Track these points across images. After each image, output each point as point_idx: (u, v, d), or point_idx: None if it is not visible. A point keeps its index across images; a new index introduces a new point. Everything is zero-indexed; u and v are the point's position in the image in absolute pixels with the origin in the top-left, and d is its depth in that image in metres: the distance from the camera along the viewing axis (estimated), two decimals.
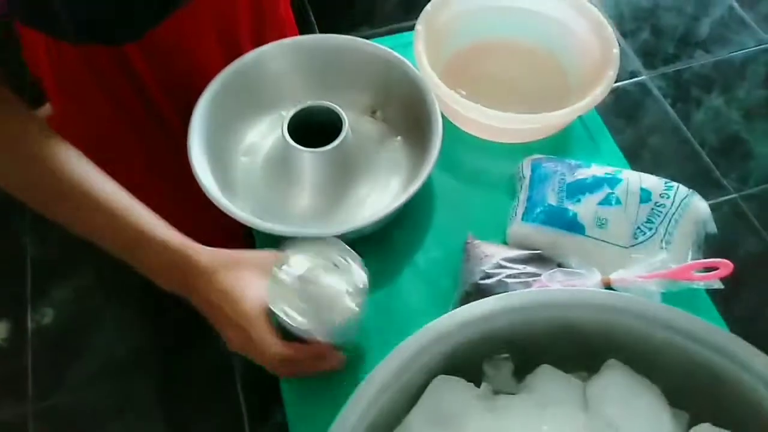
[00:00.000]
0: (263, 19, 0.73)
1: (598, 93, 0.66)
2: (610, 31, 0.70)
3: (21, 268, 1.27)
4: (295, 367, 0.48)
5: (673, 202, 0.61)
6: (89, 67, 0.58)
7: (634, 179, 0.62)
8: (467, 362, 0.45)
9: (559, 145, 0.71)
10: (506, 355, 0.46)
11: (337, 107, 0.63)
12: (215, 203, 0.55)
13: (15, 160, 0.46)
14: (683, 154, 1.39)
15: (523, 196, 0.63)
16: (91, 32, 0.55)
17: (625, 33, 1.64)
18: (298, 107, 0.62)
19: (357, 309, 0.48)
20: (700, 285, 0.55)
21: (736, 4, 1.69)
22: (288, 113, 0.61)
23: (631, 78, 1.55)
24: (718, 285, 0.55)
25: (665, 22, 1.66)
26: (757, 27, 1.63)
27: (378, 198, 0.64)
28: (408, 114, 0.68)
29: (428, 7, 0.71)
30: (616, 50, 0.68)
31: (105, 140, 0.65)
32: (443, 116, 0.63)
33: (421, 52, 0.67)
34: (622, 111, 1.48)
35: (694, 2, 1.71)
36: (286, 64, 0.69)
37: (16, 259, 1.28)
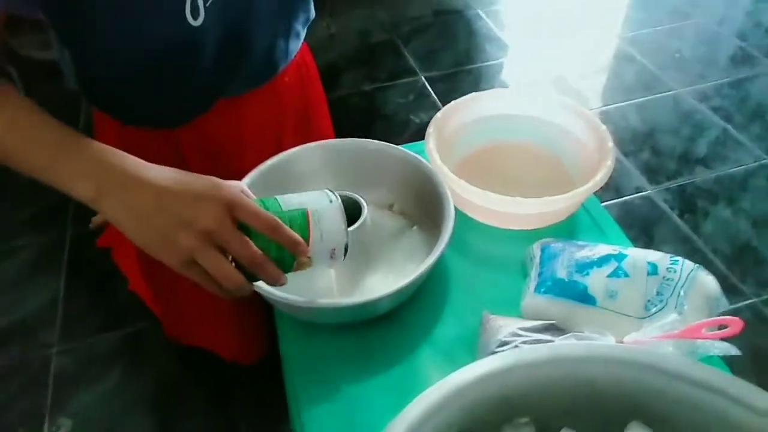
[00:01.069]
0: (309, 128, 0.82)
1: (598, 179, 0.71)
2: (603, 129, 0.77)
3: (44, 379, 1.29)
4: (245, 215, 0.46)
5: (680, 275, 0.63)
6: (147, 150, 0.66)
7: (640, 255, 0.65)
8: (487, 425, 0.44)
9: (566, 232, 0.75)
10: (526, 419, 0.46)
11: (358, 196, 0.68)
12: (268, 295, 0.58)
13: None
14: (697, 263, 1.40)
15: (534, 272, 0.66)
16: (146, 117, 0.64)
17: (626, 153, 1.75)
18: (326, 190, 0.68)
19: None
20: (717, 352, 0.55)
21: (729, 126, 1.81)
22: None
23: (637, 193, 1.62)
24: (736, 351, 0.55)
25: (663, 143, 1.78)
26: (752, 145, 1.73)
27: (395, 280, 0.68)
28: (423, 205, 0.73)
29: (438, 114, 0.80)
30: (610, 144, 0.75)
31: None
32: (456, 208, 0.69)
33: (432, 149, 0.74)
34: (632, 223, 1.54)
35: (689, 126, 1.83)
36: (317, 162, 0.76)
37: (41, 371, 1.31)
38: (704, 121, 1.85)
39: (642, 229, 1.53)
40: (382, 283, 0.68)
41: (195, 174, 0.48)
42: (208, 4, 0.58)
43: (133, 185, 0.45)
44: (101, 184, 0.45)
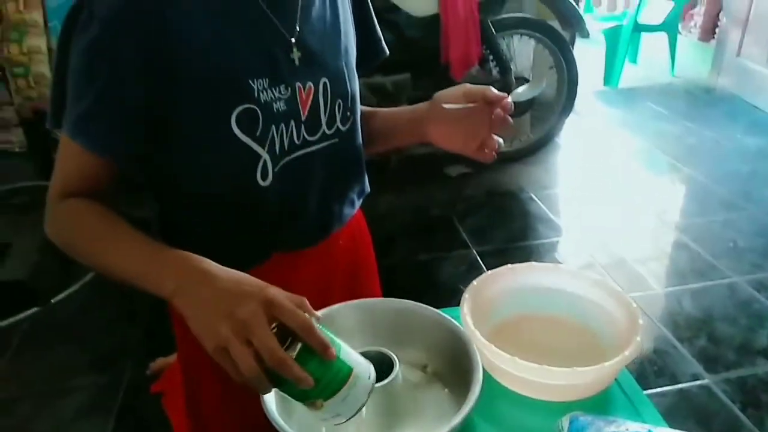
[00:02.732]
0: (357, 290, 0.89)
1: (627, 354, 0.72)
2: (634, 306, 0.80)
3: None
4: (281, 312, 0.52)
5: None
6: None
7: None
8: None
9: (597, 406, 0.74)
10: None
11: (391, 353, 0.72)
12: (273, 422, 0.61)
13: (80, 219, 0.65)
14: None
15: None
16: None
17: (681, 339, 1.71)
18: (357, 351, 0.72)
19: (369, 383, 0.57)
20: None
21: None
22: None
23: (693, 380, 1.56)
24: None
25: (721, 331, 1.74)
26: None
27: None
28: (455, 368, 0.76)
29: (475, 282, 0.85)
30: (641, 321, 0.77)
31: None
32: (489, 374, 0.71)
33: (466, 313, 0.78)
34: (688, 414, 1.46)
35: (747, 315, 1.79)
36: (354, 319, 0.79)
37: None
38: (763, 311, 1.80)
39: (699, 420, 1.44)
40: None
41: (253, 278, 0.56)
42: (276, 169, 0.71)
43: (201, 282, 0.56)
44: (180, 282, 0.56)
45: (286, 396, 0.59)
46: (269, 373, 0.53)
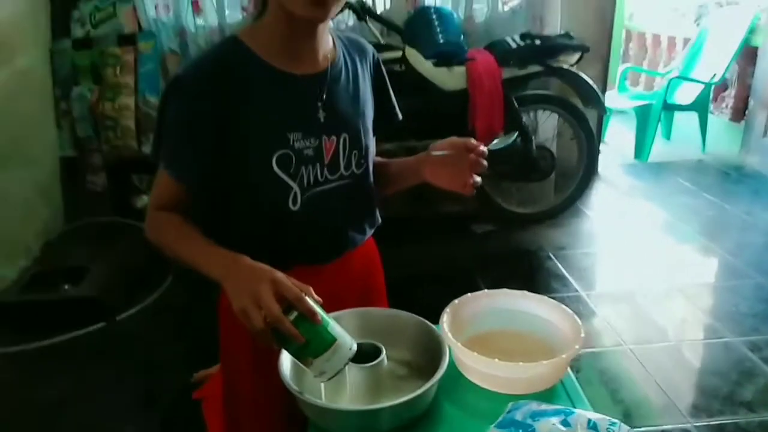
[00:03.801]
0: (367, 290, 1.11)
1: (564, 357, 0.92)
2: (576, 319, 0.99)
3: None
4: (283, 288, 0.76)
5: None
6: None
7: (586, 413, 0.83)
8: None
9: (543, 400, 0.93)
10: None
11: (379, 343, 0.91)
12: (291, 390, 0.81)
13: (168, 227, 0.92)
14: None
15: (500, 418, 0.86)
16: None
17: (671, 387, 1.82)
18: (356, 341, 0.87)
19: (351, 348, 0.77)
20: None
21: None
22: None
23: (677, 423, 1.68)
24: None
25: (710, 383, 1.84)
26: None
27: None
28: (433, 365, 0.91)
29: (456, 300, 1.06)
30: (582, 334, 0.97)
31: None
32: (459, 371, 0.91)
33: (444, 322, 0.98)
34: None
35: (737, 371, 1.89)
36: (354, 322, 0.94)
37: None
38: (753, 369, 1.92)
39: None
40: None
41: (268, 266, 0.80)
42: (303, 198, 0.95)
43: (236, 269, 0.82)
44: (223, 271, 0.83)
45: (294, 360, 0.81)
46: (276, 334, 0.76)
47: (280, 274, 0.79)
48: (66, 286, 2.39)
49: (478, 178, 1.00)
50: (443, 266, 2.72)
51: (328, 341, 0.77)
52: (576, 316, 0.99)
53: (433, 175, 1.03)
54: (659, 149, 4.11)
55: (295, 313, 0.77)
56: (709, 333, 2.16)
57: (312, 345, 0.77)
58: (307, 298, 0.78)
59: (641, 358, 2.01)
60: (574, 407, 0.87)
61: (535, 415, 0.82)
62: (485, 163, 0.99)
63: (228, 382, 1.12)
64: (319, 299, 0.81)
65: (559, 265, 2.68)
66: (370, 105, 1.06)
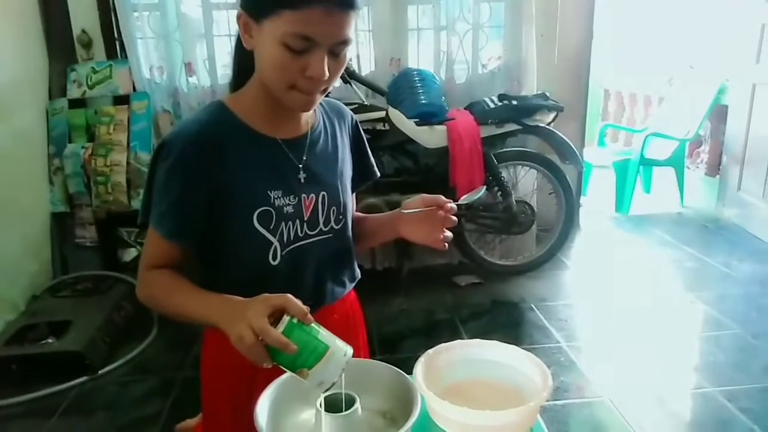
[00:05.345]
0: (347, 341, 1.13)
1: (532, 405, 0.96)
2: (545, 369, 1.03)
3: None
4: (271, 299, 0.79)
5: None
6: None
7: None
8: None
9: None
10: None
11: (354, 393, 0.93)
12: None
13: (161, 283, 0.95)
14: None
15: None
16: None
17: None
18: (329, 392, 0.88)
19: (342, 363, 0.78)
20: None
21: (756, 427, 1.87)
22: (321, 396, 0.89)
23: None
24: None
25: None
26: None
27: None
28: (408, 415, 0.97)
29: (430, 350, 1.10)
30: (551, 382, 1.00)
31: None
32: (433, 421, 0.92)
33: (418, 372, 1.01)
34: None
35: (714, 422, 1.90)
36: None
37: None
38: (731, 419, 1.94)
39: None
40: None
41: (254, 305, 0.80)
42: (283, 253, 1.00)
43: (229, 307, 0.84)
44: (220, 315, 0.84)
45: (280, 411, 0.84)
46: (270, 349, 0.77)
47: (268, 295, 0.82)
48: (50, 340, 2.39)
49: (449, 233, 1.06)
50: (427, 318, 2.76)
51: (320, 349, 0.78)
52: (545, 366, 1.02)
53: (407, 231, 1.09)
54: (640, 202, 4.23)
55: (284, 325, 0.78)
56: (688, 383, 2.18)
57: (305, 354, 0.78)
58: (297, 301, 0.81)
59: (621, 409, 2.03)
60: None
61: None
62: (455, 218, 1.06)
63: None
64: (311, 318, 0.82)
65: (541, 317, 2.72)
66: (348, 164, 1.13)
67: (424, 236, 1.07)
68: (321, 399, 0.86)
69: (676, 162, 4.19)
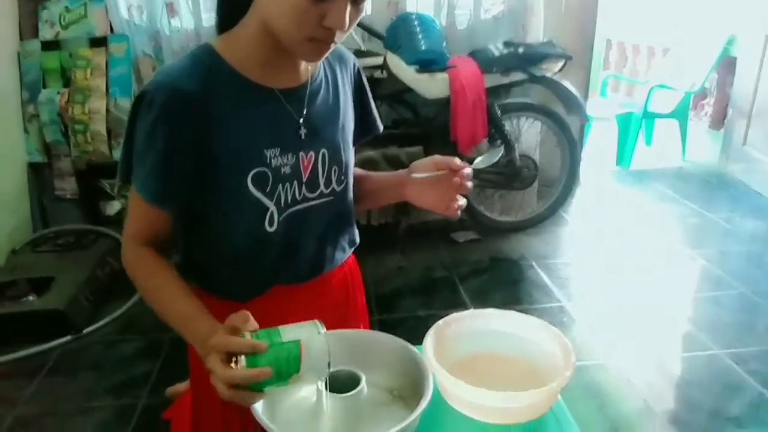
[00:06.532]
0: (347, 310, 1.06)
1: (554, 385, 0.87)
2: (566, 343, 0.94)
3: None
4: (227, 379, 0.68)
5: None
6: (218, 316, 0.84)
7: None
8: None
9: (532, 430, 0.88)
10: None
11: (358, 371, 0.86)
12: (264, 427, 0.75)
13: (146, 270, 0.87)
14: None
15: None
16: (223, 290, 0.93)
17: (656, 402, 1.80)
18: (332, 369, 0.80)
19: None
20: None
21: (766, 391, 1.84)
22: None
23: None
24: None
25: (695, 397, 1.82)
26: None
27: None
28: (416, 393, 0.87)
29: (440, 321, 1.01)
30: (574, 359, 0.92)
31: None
32: (444, 399, 0.85)
33: (428, 346, 0.93)
34: None
35: (721, 385, 1.88)
36: (333, 347, 0.90)
37: None
38: (739, 382, 1.89)
39: None
40: None
41: (207, 336, 0.74)
42: (280, 219, 0.90)
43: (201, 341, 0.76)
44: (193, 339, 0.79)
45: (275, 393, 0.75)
46: (251, 387, 0.70)
47: (213, 338, 0.73)
48: (30, 297, 2.28)
49: (463, 200, 0.96)
50: (425, 276, 2.68)
51: (295, 351, 0.71)
52: (565, 339, 0.94)
53: (415, 196, 1.00)
54: (641, 156, 4.12)
55: (243, 356, 0.71)
56: (693, 345, 2.13)
57: (284, 367, 0.71)
58: (245, 336, 0.72)
59: (625, 371, 1.98)
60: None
61: None
62: (470, 185, 0.95)
63: (197, 409, 1.06)
64: (255, 325, 0.74)
65: (542, 274, 2.65)
66: (350, 117, 1.02)
67: (434, 203, 0.98)
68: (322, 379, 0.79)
69: (680, 115, 4.07)
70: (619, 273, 2.71)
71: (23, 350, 2.13)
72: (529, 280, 2.62)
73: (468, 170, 0.94)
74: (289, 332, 0.73)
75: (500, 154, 1.05)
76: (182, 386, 1.67)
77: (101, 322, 2.31)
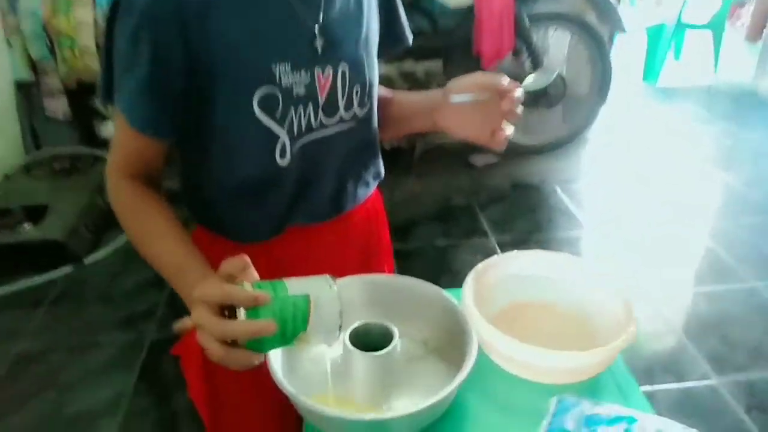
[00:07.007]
0: (370, 270, 0.93)
1: (619, 343, 0.75)
2: (630, 299, 0.82)
3: None
4: (222, 333, 0.55)
5: None
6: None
7: (651, 421, 0.67)
8: None
9: (588, 391, 0.77)
10: None
11: (392, 325, 0.76)
12: (282, 390, 0.65)
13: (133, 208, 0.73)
14: None
15: (546, 422, 0.69)
16: (232, 231, 0.80)
17: (693, 339, 1.71)
18: (359, 323, 0.74)
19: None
20: None
21: None
22: (350, 327, 0.73)
23: (700, 380, 1.57)
24: None
25: (734, 334, 1.73)
26: None
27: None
28: (453, 345, 0.78)
29: (480, 265, 0.88)
30: (635, 314, 0.79)
31: None
32: (485, 355, 0.74)
33: (467, 295, 0.81)
34: (692, 412, 1.47)
35: (763, 321, 1.78)
36: (360, 293, 0.82)
37: None
38: None
39: (703, 418, 1.45)
40: (402, 409, 0.72)
41: (193, 310, 0.59)
42: (294, 149, 0.75)
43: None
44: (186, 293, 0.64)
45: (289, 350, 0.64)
46: (249, 345, 0.57)
47: (197, 290, 0.58)
48: (26, 226, 2.17)
49: (511, 129, 0.80)
50: (443, 203, 2.54)
51: (303, 305, 0.59)
52: (623, 288, 0.82)
53: (453, 124, 0.84)
54: (668, 71, 3.87)
55: (242, 310, 0.57)
56: (731, 278, 2.01)
57: (289, 324, 0.58)
58: (244, 285, 0.58)
59: (659, 306, 1.87)
60: (627, 403, 0.74)
61: (590, 423, 0.66)
62: (520, 111, 0.79)
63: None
64: (255, 275, 0.61)
65: (565, 200, 2.50)
66: (375, 27, 0.84)
67: (476, 132, 0.82)
68: (347, 333, 0.70)
69: (716, 26, 3.77)
70: (645, 198, 2.56)
71: (22, 281, 2.04)
72: (552, 207, 2.47)
73: (519, 92, 0.78)
74: (295, 285, 0.60)
75: (555, 74, 0.88)
76: (190, 322, 1.59)
77: (103, 253, 2.21)
